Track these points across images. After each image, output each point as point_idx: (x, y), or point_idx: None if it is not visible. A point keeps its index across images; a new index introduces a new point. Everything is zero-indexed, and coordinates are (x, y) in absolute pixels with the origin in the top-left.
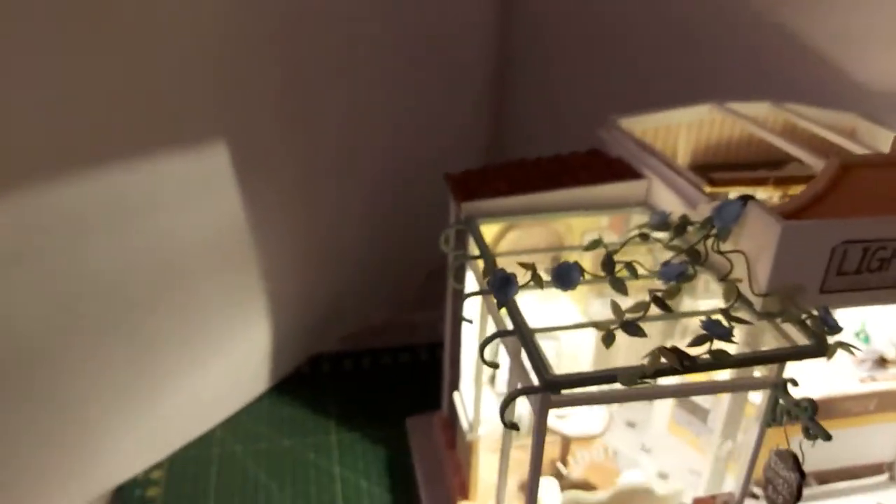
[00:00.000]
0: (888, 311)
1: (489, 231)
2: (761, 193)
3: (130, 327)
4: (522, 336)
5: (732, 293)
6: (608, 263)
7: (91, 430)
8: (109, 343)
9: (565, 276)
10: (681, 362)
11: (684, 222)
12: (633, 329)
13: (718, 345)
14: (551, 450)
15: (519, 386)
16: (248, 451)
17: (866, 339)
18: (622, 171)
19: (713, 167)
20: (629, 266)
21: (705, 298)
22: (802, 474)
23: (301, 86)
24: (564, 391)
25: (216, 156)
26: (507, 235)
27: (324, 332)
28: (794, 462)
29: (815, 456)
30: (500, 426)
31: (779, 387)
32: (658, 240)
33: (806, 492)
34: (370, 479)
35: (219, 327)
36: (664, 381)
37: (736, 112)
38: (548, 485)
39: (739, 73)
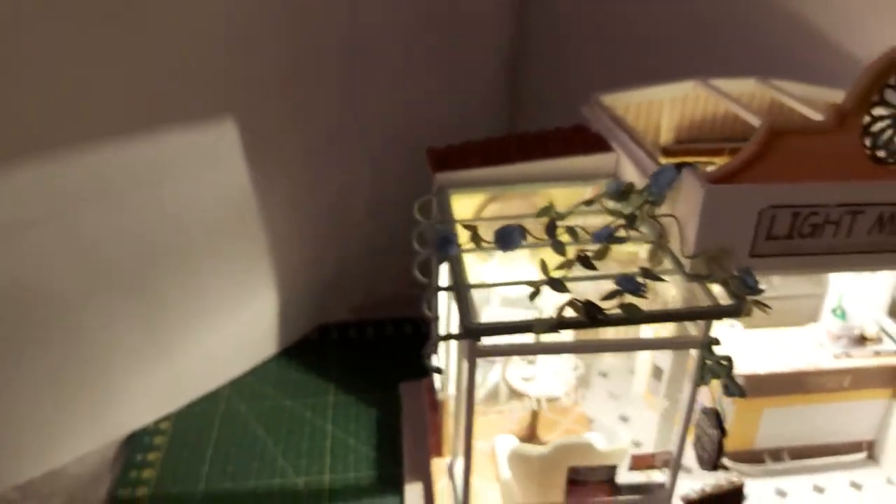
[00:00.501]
0: (869, 286)
1: (471, 203)
2: (717, 163)
3: (147, 288)
4: (457, 289)
5: (656, 253)
6: (550, 228)
7: (107, 381)
8: (128, 301)
9: (507, 238)
10: (589, 314)
11: (628, 190)
12: (558, 286)
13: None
14: (525, 416)
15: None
16: (251, 409)
17: (843, 315)
18: (595, 144)
19: (696, 143)
20: (571, 230)
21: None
22: (723, 431)
23: (310, 60)
24: (491, 341)
25: (228, 130)
26: (487, 207)
27: (331, 303)
28: (717, 419)
29: (792, 431)
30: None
31: (704, 346)
32: (604, 206)
33: (779, 466)
34: (358, 438)
35: (229, 293)
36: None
37: (718, 89)
38: (506, 440)
39: (743, 49)
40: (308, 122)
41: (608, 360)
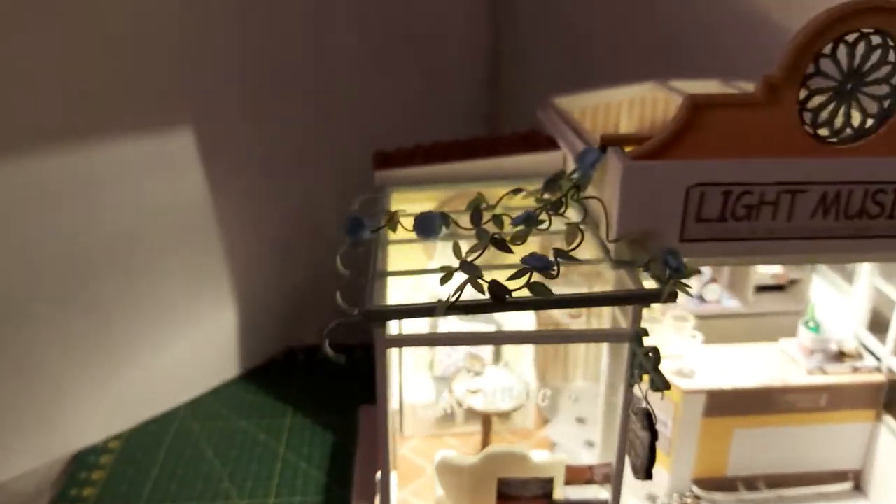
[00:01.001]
0: (846, 297)
1: (422, 207)
2: None
3: (90, 297)
4: (370, 276)
5: (573, 233)
6: (475, 215)
7: (53, 396)
8: (70, 311)
9: (427, 225)
10: (494, 294)
11: (558, 176)
12: (469, 269)
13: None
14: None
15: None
16: (203, 430)
17: (816, 328)
18: (543, 145)
19: None
20: (496, 218)
21: None
22: (654, 433)
23: (267, 68)
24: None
25: (180, 135)
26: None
27: (299, 326)
28: (648, 420)
29: (768, 458)
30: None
31: (633, 338)
32: (530, 193)
33: (754, 495)
34: (310, 461)
35: (184, 307)
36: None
37: (677, 89)
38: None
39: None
40: (270, 134)
41: (580, 384)
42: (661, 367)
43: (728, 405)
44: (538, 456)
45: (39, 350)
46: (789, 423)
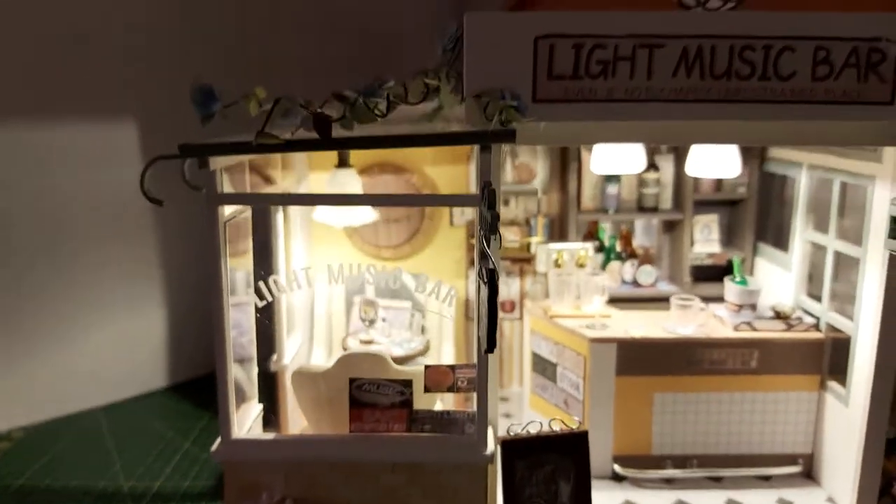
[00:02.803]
0: (782, 269)
1: None
2: None
3: (12, 278)
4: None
5: (416, 87)
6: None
7: None
8: None
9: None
10: (318, 124)
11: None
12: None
13: None
14: None
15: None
16: (112, 427)
17: (743, 282)
18: None
19: None
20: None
21: None
22: (495, 290)
23: (213, 70)
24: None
25: (127, 130)
26: None
27: None
28: (490, 277)
29: (704, 435)
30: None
31: (483, 199)
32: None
33: (681, 473)
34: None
35: (114, 308)
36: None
37: None
38: None
39: None
40: None
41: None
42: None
43: (643, 361)
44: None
45: None
46: (718, 387)
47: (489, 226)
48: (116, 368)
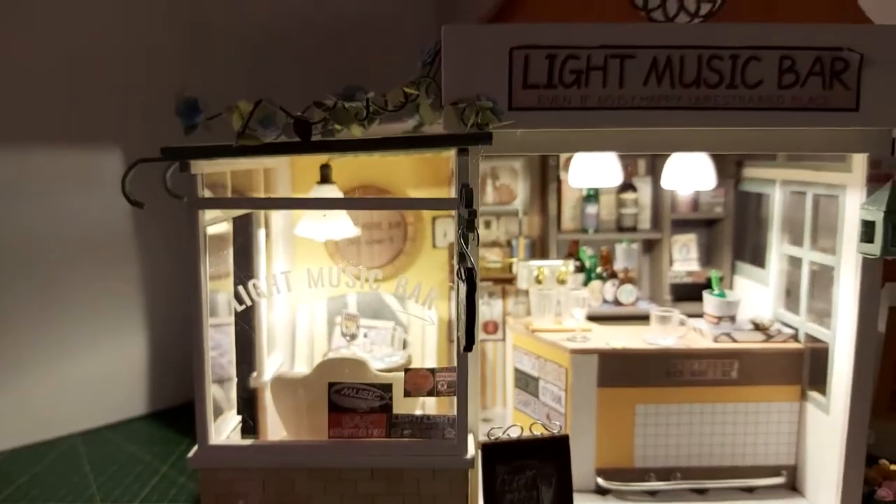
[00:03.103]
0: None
1: None
2: None
3: None
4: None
5: (395, 96)
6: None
7: None
8: None
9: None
10: (299, 129)
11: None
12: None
13: None
14: None
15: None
16: (89, 451)
17: (722, 294)
18: None
19: None
20: None
21: None
22: (474, 286)
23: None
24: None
25: (110, 155)
26: None
27: None
28: (468, 275)
29: (687, 448)
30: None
31: (461, 202)
32: None
33: (663, 485)
34: (192, 477)
35: (93, 332)
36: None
37: None
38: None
39: None
40: None
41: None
42: None
43: (624, 372)
44: (378, 364)
45: None
46: (700, 398)
47: (467, 223)
48: (95, 395)
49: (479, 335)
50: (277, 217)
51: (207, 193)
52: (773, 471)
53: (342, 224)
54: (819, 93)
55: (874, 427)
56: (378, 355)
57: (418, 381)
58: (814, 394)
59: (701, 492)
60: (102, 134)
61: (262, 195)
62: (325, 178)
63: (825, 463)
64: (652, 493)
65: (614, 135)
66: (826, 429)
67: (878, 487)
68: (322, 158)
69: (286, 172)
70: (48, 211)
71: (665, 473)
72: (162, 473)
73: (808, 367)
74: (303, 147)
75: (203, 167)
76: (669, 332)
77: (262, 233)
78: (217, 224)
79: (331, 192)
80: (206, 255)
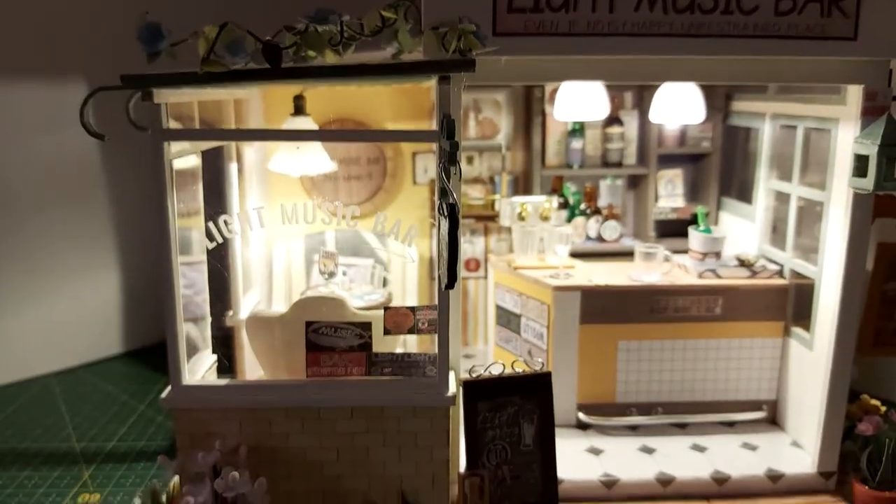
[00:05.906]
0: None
1: None
2: None
3: None
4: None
5: (374, 20)
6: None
7: None
8: None
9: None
10: (268, 54)
11: None
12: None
13: None
14: None
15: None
16: (64, 391)
17: (707, 230)
18: None
19: None
20: None
21: None
22: (456, 222)
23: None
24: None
25: (77, 95)
26: None
27: None
28: (451, 211)
29: (669, 383)
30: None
31: (442, 134)
32: None
33: (645, 420)
34: (168, 416)
35: (62, 273)
36: None
37: None
38: None
39: None
40: None
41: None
42: None
43: (607, 309)
44: (357, 302)
45: None
46: (683, 334)
47: (448, 156)
48: (69, 334)
49: (462, 272)
50: (249, 151)
51: (174, 125)
52: (754, 405)
53: (318, 158)
54: (817, 20)
55: (856, 363)
56: (357, 293)
57: (398, 320)
58: (798, 330)
59: (682, 426)
60: (68, 66)
61: (232, 128)
62: (298, 109)
63: (806, 398)
64: (633, 428)
65: (603, 63)
66: (809, 364)
67: (858, 422)
68: (295, 89)
69: (258, 105)
70: (14, 149)
71: (647, 408)
72: (139, 412)
73: (793, 304)
74: (273, 74)
75: (167, 96)
76: (654, 268)
77: (233, 167)
78: (186, 158)
79: (305, 124)
80: (172, 190)
